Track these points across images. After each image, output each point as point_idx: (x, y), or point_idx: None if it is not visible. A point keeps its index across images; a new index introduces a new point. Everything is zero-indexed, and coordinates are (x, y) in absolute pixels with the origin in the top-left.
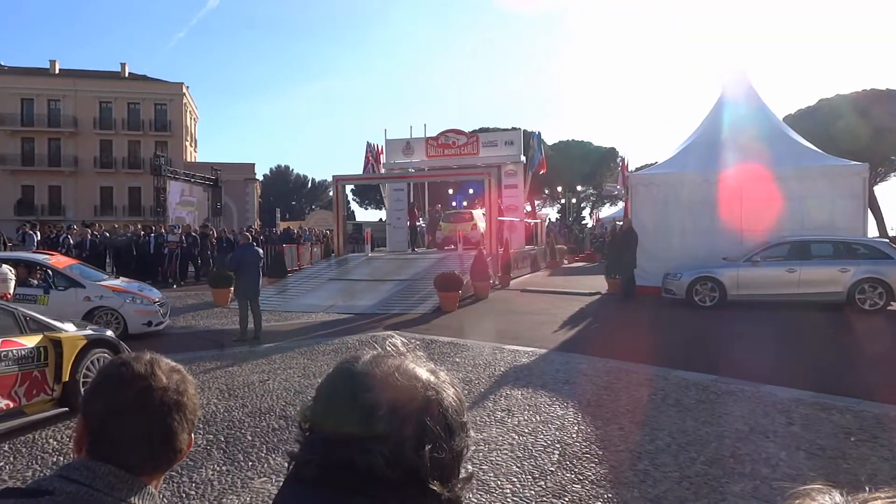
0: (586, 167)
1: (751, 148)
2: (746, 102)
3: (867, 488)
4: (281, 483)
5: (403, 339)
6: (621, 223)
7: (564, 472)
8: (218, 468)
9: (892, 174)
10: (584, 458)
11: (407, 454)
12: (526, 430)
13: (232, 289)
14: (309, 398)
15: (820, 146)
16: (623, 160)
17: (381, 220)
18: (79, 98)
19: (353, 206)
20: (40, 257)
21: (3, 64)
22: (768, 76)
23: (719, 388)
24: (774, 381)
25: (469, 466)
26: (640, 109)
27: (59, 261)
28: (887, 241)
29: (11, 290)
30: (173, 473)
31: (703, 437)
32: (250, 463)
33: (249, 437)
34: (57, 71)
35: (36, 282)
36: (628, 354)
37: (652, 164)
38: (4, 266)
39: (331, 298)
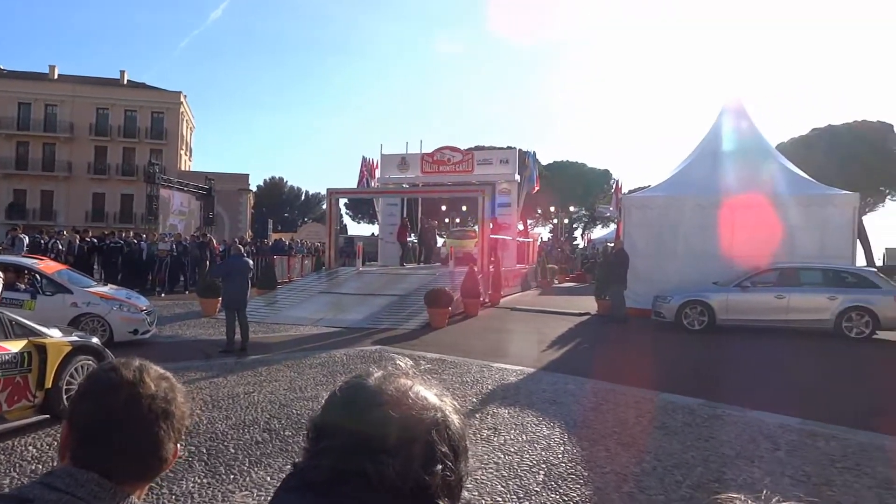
0: (580, 188)
1: (745, 174)
2: (742, 129)
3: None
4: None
5: (412, 362)
6: (613, 245)
7: (549, 493)
8: (199, 480)
9: (881, 204)
10: (570, 479)
11: (416, 470)
12: (512, 450)
13: (220, 299)
14: (296, 410)
15: (812, 175)
16: (617, 182)
17: (373, 234)
18: (76, 104)
19: (346, 219)
20: (29, 261)
21: (2, 67)
22: (763, 104)
23: (706, 411)
24: (761, 407)
25: (466, 494)
26: (635, 133)
27: (47, 266)
28: (875, 270)
29: None
30: (153, 484)
31: (689, 460)
32: (232, 476)
33: (232, 450)
34: (56, 76)
35: (23, 286)
36: (616, 376)
37: (646, 188)
38: None
39: (320, 311)
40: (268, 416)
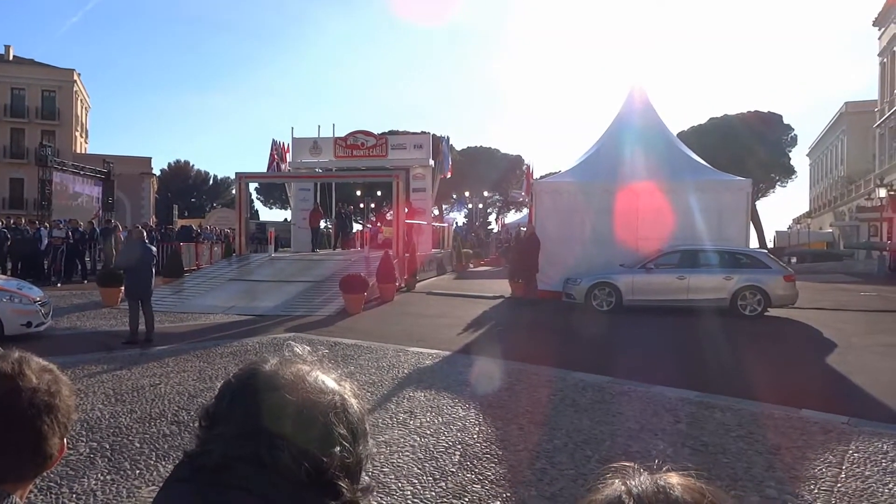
0: (493, 173)
1: (648, 161)
2: (645, 117)
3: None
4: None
5: (309, 348)
6: (525, 229)
7: (465, 473)
8: (102, 477)
9: (772, 190)
10: (485, 459)
11: (313, 454)
12: (428, 432)
13: (122, 288)
14: (206, 400)
15: (709, 161)
16: (528, 167)
17: (286, 220)
18: None
19: (258, 204)
20: None
21: None
22: (666, 93)
23: (614, 388)
24: (664, 382)
25: (367, 478)
26: (546, 119)
27: None
28: (766, 251)
29: None
30: (52, 484)
31: (598, 435)
32: (138, 471)
33: (137, 444)
34: None
35: None
36: (529, 357)
37: (556, 173)
38: None
39: (231, 299)
40: (176, 408)
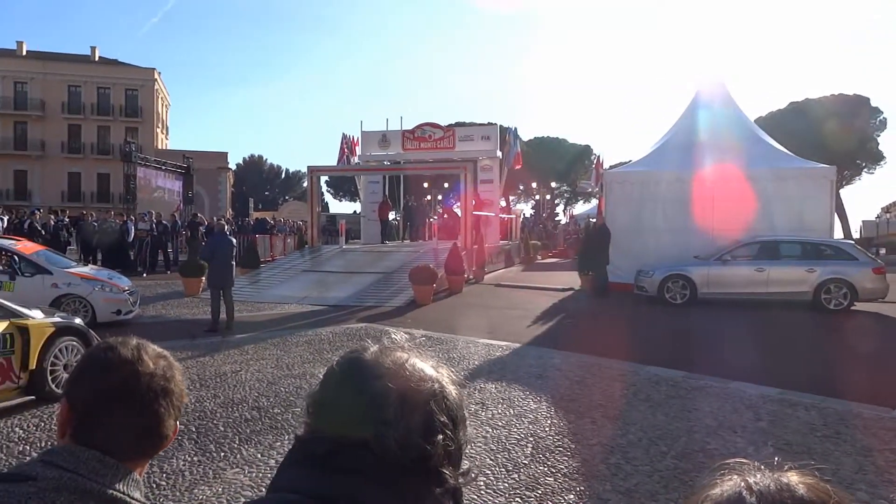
0: (561, 164)
1: (724, 148)
2: (720, 103)
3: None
4: (254, 474)
5: (406, 335)
6: (595, 220)
7: (537, 465)
8: (189, 459)
9: (858, 177)
10: (557, 452)
11: (416, 441)
12: (500, 424)
13: (204, 278)
14: (284, 388)
15: (790, 148)
16: (598, 158)
17: (355, 212)
18: (47, 81)
19: (328, 197)
20: (6, 242)
21: None
22: (741, 78)
23: (689, 383)
24: (743, 378)
25: (467, 462)
26: (615, 108)
27: (25, 246)
28: (852, 242)
29: None
30: None
31: (674, 431)
32: (222, 454)
33: (221, 428)
34: (24, 52)
35: (1, 267)
36: (601, 350)
37: (626, 163)
38: None
39: (304, 290)
40: (256, 394)
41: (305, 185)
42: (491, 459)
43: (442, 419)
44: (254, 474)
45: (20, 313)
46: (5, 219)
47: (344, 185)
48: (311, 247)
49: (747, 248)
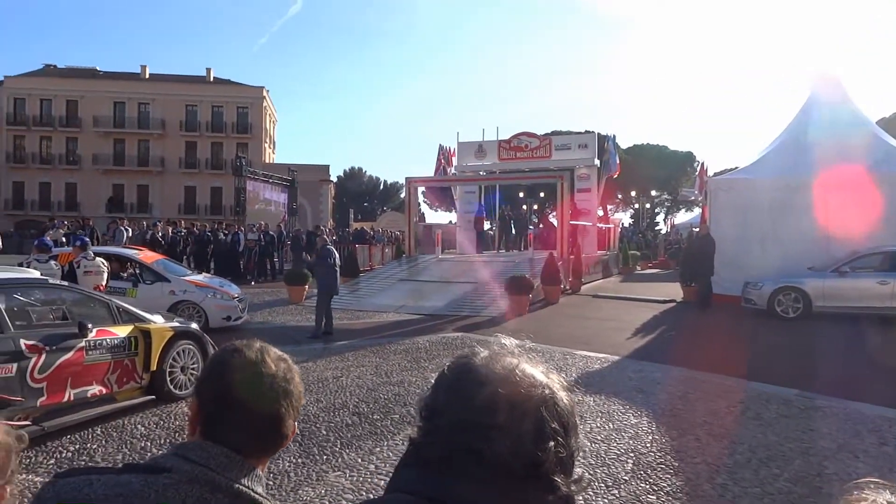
0: (662, 171)
1: (841, 151)
2: (837, 104)
3: None
4: (355, 478)
5: (516, 341)
6: (698, 229)
7: (638, 482)
8: (294, 460)
9: None
10: (659, 469)
11: (527, 447)
12: (599, 438)
13: (306, 287)
14: (383, 395)
15: None
16: (702, 164)
17: (450, 222)
18: (167, 101)
19: (424, 207)
20: (130, 252)
21: (98, 69)
22: (859, 79)
23: (803, 402)
24: (863, 398)
25: (579, 469)
26: (720, 112)
27: (147, 256)
28: None
29: (104, 283)
30: None
31: (787, 452)
32: (325, 457)
33: (324, 432)
34: (147, 76)
35: (125, 275)
36: (705, 364)
37: (732, 169)
38: (99, 259)
39: (401, 299)
40: (356, 400)
41: (403, 195)
42: (590, 474)
43: (553, 425)
44: (355, 478)
45: (143, 318)
46: (129, 230)
47: (440, 196)
48: (408, 256)
49: (869, 259)
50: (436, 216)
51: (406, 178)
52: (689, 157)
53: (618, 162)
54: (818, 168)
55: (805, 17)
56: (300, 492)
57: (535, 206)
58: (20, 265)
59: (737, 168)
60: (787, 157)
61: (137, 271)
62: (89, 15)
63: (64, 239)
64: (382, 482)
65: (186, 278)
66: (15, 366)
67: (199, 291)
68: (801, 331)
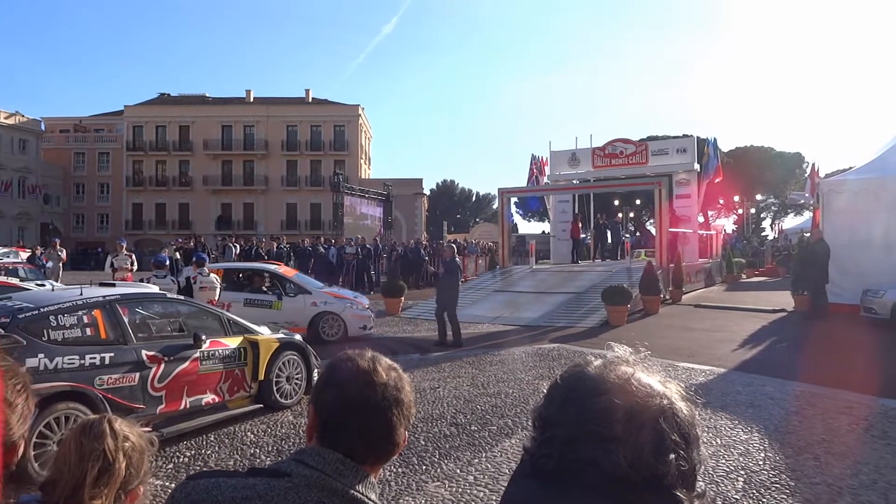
0: (768, 174)
1: None
2: None
3: None
4: (454, 489)
5: (630, 348)
6: (809, 234)
7: (750, 502)
8: (394, 469)
9: None
10: (773, 489)
11: (646, 459)
12: (706, 454)
13: (402, 298)
14: (480, 406)
15: None
16: (812, 165)
17: (544, 232)
18: (269, 123)
19: (517, 218)
20: (271, 267)
21: (208, 95)
22: None
23: None
24: None
25: (702, 483)
26: (830, 111)
27: (286, 270)
28: None
29: (217, 297)
30: None
31: None
32: (424, 467)
33: (423, 442)
34: (251, 99)
35: (265, 288)
36: (822, 378)
37: (847, 170)
38: (213, 275)
39: (496, 310)
40: (454, 411)
41: (496, 206)
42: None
43: (674, 437)
44: (454, 489)
45: (251, 329)
46: (237, 246)
47: (533, 206)
48: (502, 267)
49: None
50: (529, 226)
51: (498, 189)
52: (797, 159)
53: (719, 165)
54: None
55: None
56: (401, 501)
57: (632, 214)
58: (141, 281)
59: (852, 168)
60: None
61: (281, 285)
62: (200, 44)
63: (178, 256)
64: (482, 493)
65: (325, 290)
66: (137, 375)
67: (338, 302)
68: None
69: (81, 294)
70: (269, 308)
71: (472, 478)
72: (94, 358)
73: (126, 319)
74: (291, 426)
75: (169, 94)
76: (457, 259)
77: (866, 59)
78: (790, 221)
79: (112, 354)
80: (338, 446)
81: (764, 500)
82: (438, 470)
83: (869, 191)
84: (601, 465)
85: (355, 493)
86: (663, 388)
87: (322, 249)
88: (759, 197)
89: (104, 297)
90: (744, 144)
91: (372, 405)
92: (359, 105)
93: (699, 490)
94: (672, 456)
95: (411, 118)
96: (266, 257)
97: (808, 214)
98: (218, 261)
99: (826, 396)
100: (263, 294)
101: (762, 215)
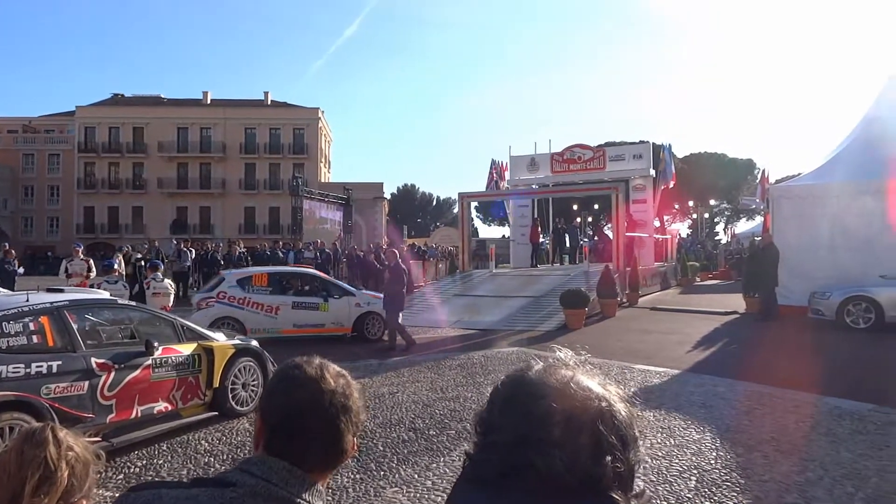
0: (721, 180)
1: None
2: None
3: None
4: (412, 494)
5: (571, 352)
6: (760, 239)
7: (703, 500)
8: (352, 476)
9: None
10: (725, 487)
11: (584, 462)
12: (660, 454)
13: None
14: (439, 410)
15: None
16: (763, 171)
17: (504, 236)
18: (227, 125)
19: (477, 222)
20: (313, 271)
21: (163, 96)
22: None
23: (879, 418)
24: None
25: (641, 483)
26: (780, 119)
27: (322, 274)
28: None
29: (170, 304)
30: None
31: (862, 470)
32: (382, 473)
33: (381, 448)
34: (209, 101)
35: (308, 289)
36: (771, 378)
37: (796, 175)
38: (167, 281)
39: (456, 313)
40: (412, 416)
41: (455, 211)
42: (651, 491)
43: (611, 440)
44: (412, 494)
45: (206, 336)
46: (193, 251)
47: (492, 210)
48: (462, 271)
49: None
50: (489, 230)
51: (459, 194)
52: (749, 165)
53: (674, 171)
54: (890, 170)
55: (869, 12)
56: None
57: (590, 219)
58: (91, 286)
59: (801, 174)
60: (857, 161)
61: (325, 287)
62: (154, 44)
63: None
64: (440, 498)
65: (366, 292)
66: (87, 383)
67: (380, 303)
68: (872, 342)
69: (28, 300)
70: (317, 310)
71: (430, 482)
72: (41, 366)
73: (75, 326)
74: (247, 434)
75: (123, 95)
76: (401, 264)
77: (816, 68)
78: (742, 226)
79: (60, 362)
80: (284, 454)
81: (716, 498)
82: (396, 475)
83: (815, 196)
84: (539, 469)
85: (301, 502)
86: (602, 390)
87: (280, 254)
88: (712, 202)
89: (52, 303)
90: (698, 151)
91: (319, 412)
92: (319, 108)
93: (637, 490)
94: (608, 458)
95: (372, 122)
96: (223, 262)
97: (759, 219)
98: (173, 266)
99: (775, 396)
100: (311, 296)
101: (716, 220)
